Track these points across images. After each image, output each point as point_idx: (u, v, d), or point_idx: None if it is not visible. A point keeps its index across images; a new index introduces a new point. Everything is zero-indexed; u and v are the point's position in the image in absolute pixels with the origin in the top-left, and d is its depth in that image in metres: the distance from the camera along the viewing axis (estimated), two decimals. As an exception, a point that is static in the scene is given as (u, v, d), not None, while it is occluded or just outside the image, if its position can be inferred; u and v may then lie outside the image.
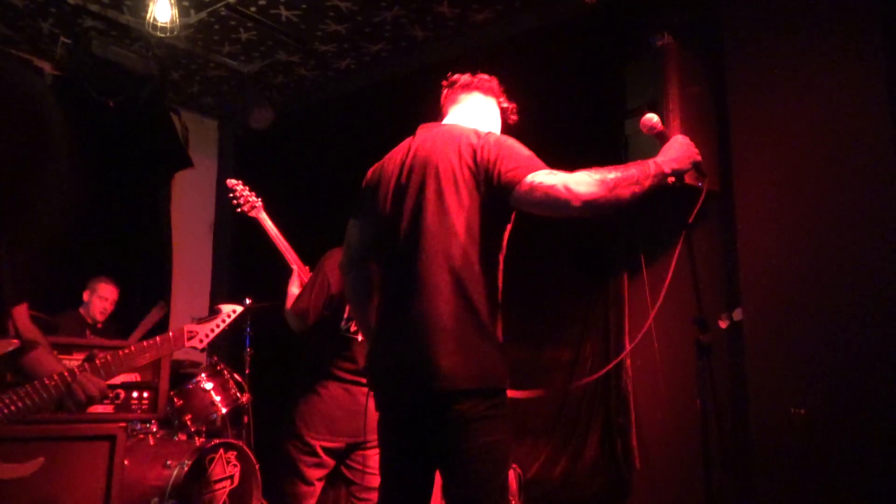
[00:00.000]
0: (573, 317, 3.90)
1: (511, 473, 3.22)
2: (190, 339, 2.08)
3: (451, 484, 1.92)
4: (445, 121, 2.28)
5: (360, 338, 2.99)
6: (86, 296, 4.79)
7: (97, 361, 1.81)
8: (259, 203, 3.33)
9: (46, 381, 1.69)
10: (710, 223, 3.63)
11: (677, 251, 2.27)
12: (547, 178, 1.84)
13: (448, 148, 2.04)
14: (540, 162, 1.92)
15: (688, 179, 2.08)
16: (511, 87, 2.36)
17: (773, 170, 3.30)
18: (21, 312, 1.85)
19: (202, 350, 2.20)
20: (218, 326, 2.18)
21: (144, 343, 1.97)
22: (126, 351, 1.90)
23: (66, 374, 1.73)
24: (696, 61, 3.51)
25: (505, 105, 2.30)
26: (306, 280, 3.05)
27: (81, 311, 4.77)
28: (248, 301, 4.42)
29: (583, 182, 1.80)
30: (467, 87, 2.27)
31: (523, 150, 1.96)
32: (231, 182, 3.36)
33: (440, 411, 1.85)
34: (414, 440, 1.98)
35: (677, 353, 3.36)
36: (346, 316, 2.99)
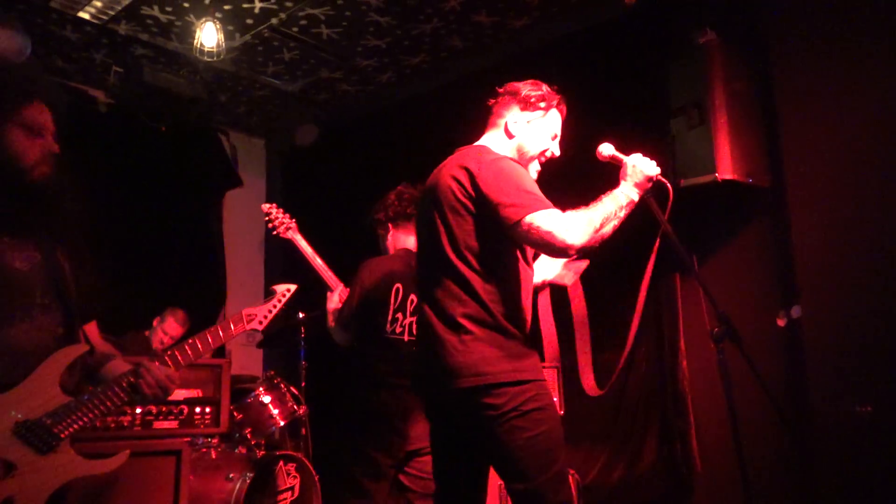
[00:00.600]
0: (624, 320, 3.86)
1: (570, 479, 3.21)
2: (249, 321, 2.09)
3: (503, 480, 2.08)
4: (479, 141, 2.31)
5: (405, 338, 3.04)
6: (155, 322, 4.89)
7: (165, 356, 1.84)
8: (293, 224, 3.41)
9: (116, 381, 1.72)
10: (762, 220, 3.57)
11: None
12: (544, 222, 1.94)
13: (453, 171, 2.16)
14: (536, 198, 1.99)
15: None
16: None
17: (826, 163, 3.23)
18: (91, 330, 1.91)
19: (262, 332, 2.20)
20: (275, 307, 2.19)
21: (205, 332, 1.95)
22: (190, 341, 1.91)
23: (132, 368, 1.76)
24: (740, 56, 3.46)
25: (553, 106, 2.27)
26: (345, 296, 3.11)
27: (147, 333, 4.88)
28: (300, 314, 4.51)
29: (575, 229, 1.94)
30: (506, 105, 2.27)
31: (522, 184, 2.03)
32: (265, 206, 3.45)
33: (465, 410, 1.99)
34: (452, 441, 2.14)
35: (733, 352, 3.31)
36: (389, 318, 3.03)
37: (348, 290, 3.10)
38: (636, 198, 2.10)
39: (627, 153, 2.19)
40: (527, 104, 2.23)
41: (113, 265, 4.98)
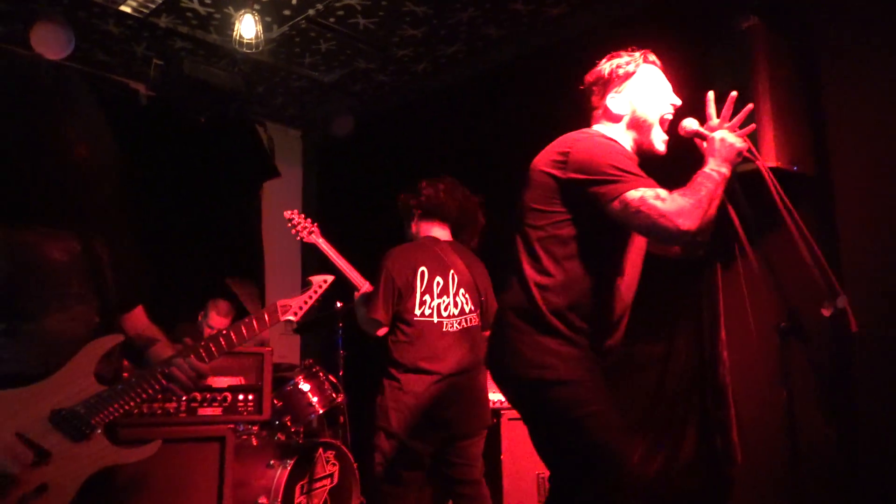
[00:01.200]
0: (665, 310, 3.82)
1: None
2: (284, 312, 2.09)
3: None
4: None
5: (435, 320, 3.06)
6: (200, 316, 4.97)
7: (199, 349, 1.85)
8: (315, 228, 3.45)
9: (151, 372, 1.75)
10: (805, 208, 3.49)
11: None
12: (653, 203, 1.84)
13: (541, 157, 2.10)
14: (638, 175, 1.92)
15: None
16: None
17: (873, 151, 3.16)
18: (138, 315, 1.93)
19: (297, 323, 2.21)
20: (311, 298, 2.21)
21: (240, 323, 1.97)
22: (224, 332, 1.92)
23: (167, 360, 1.78)
24: (784, 42, 3.38)
25: (640, 64, 2.17)
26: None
27: (200, 328, 4.94)
28: (338, 304, 4.55)
29: (688, 211, 1.83)
30: (597, 93, 2.19)
31: (620, 161, 1.94)
32: (287, 213, 3.50)
33: (516, 400, 2.08)
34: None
35: (770, 346, 3.26)
36: (417, 301, 3.06)
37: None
38: (728, 174, 1.96)
39: (669, 139, 2.15)
40: (615, 80, 2.14)
41: (152, 257, 5.11)
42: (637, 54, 2.17)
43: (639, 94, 2.14)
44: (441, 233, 3.29)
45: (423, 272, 3.11)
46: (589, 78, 2.21)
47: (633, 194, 1.87)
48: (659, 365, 3.83)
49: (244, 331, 1.93)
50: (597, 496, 1.92)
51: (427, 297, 3.08)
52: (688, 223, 1.83)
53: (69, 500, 1.55)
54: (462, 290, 3.17)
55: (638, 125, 2.14)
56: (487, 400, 3.21)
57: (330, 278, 2.33)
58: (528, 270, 2.06)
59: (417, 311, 3.06)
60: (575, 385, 1.96)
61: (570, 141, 2.05)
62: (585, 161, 1.97)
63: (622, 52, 2.18)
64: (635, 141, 2.18)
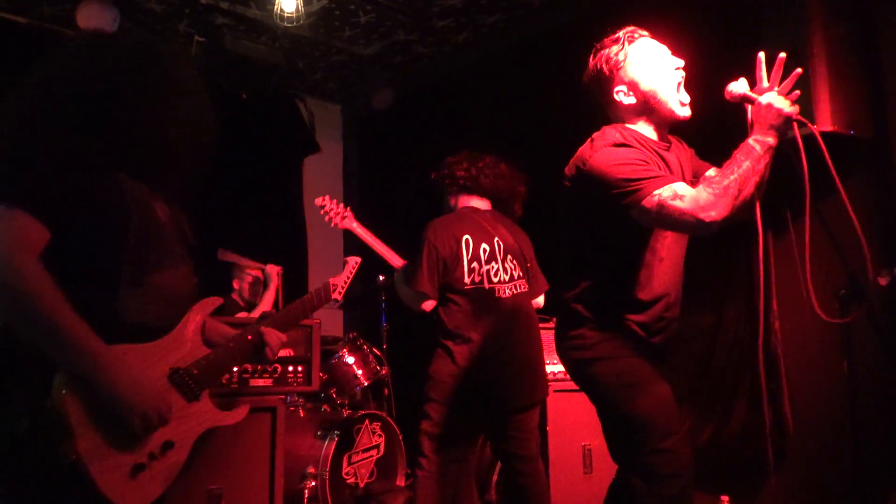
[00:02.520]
0: (714, 280, 3.75)
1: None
2: (334, 290, 2.26)
3: None
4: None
5: (486, 286, 3.01)
6: (235, 283, 5.07)
7: (273, 316, 1.95)
8: (349, 213, 3.41)
9: (243, 339, 1.80)
10: (864, 174, 3.37)
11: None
12: (675, 199, 1.84)
13: (569, 165, 2.14)
14: (656, 174, 1.92)
15: (796, 132, 1.93)
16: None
17: (935, 111, 3.03)
18: None
19: (341, 302, 2.38)
20: (349, 277, 2.39)
21: (301, 299, 2.09)
22: (290, 307, 2.04)
23: (254, 329, 1.85)
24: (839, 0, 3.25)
25: (627, 46, 2.12)
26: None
27: (234, 296, 5.07)
28: (380, 277, 4.57)
29: (712, 201, 1.81)
30: (599, 92, 2.19)
31: (637, 163, 1.94)
32: (319, 200, 3.46)
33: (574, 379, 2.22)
34: None
35: (829, 314, 3.17)
36: (466, 269, 3.01)
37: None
38: (774, 142, 1.88)
39: (720, 102, 2.07)
40: (610, 75, 2.12)
41: (197, 229, 5.17)
42: (621, 38, 2.13)
43: (638, 75, 2.09)
44: (480, 203, 3.25)
45: (467, 240, 3.05)
46: (586, 80, 2.20)
47: (650, 200, 1.87)
48: (707, 336, 3.77)
49: (306, 306, 2.08)
50: (647, 470, 1.95)
51: (475, 265, 3.03)
52: (712, 214, 1.81)
53: (185, 457, 1.60)
54: (509, 256, 3.11)
55: (652, 104, 2.09)
56: (543, 369, 3.16)
57: (359, 259, 2.51)
58: (568, 267, 2.17)
59: (467, 279, 3.00)
60: (615, 360, 2.04)
61: (584, 156, 2.06)
62: (599, 175, 1.98)
63: (605, 42, 2.15)
64: (656, 120, 2.14)
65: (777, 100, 1.90)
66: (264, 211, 5.94)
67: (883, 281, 3.29)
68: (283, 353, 2.97)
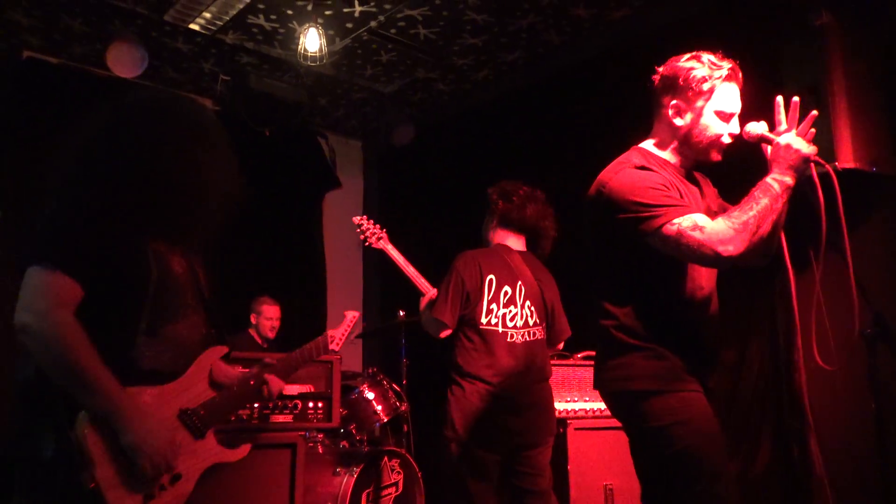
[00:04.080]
0: (737, 316, 3.72)
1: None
2: (332, 342, 2.44)
3: None
4: (646, 141, 2.19)
5: (500, 329, 3.03)
6: (253, 318, 5.12)
7: (274, 364, 2.11)
8: (384, 234, 3.46)
9: (246, 384, 1.96)
10: (887, 211, 3.35)
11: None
12: (693, 230, 1.82)
13: (589, 192, 2.12)
14: (675, 203, 1.90)
15: (813, 172, 1.95)
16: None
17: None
18: None
19: (337, 352, 2.53)
20: (347, 329, 2.55)
21: (301, 349, 2.28)
22: (289, 357, 2.22)
23: (256, 374, 2.02)
24: (859, 37, 3.26)
25: (722, 81, 2.03)
26: None
27: (251, 332, 5.10)
28: (401, 313, 4.58)
29: (730, 236, 1.80)
30: (665, 93, 2.09)
31: (656, 191, 1.91)
32: (356, 219, 3.53)
33: (614, 414, 2.10)
34: None
35: (854, 353, 3.12)
36: (485, 309, 3.02)
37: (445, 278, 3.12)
38: (792, 182, 1.88)
39: (739, 141, 2.07)
40: (688, 90, 2.01)
41: (220, 265, 5.22)
42: (723, 67, 2.03)
43: (707, 116, 2.03)
44: (515, 243, 3.26)
45: (491, 280, 3.08)
46: (661, 74, 2.09)
47: (670, 228, 1.85)
48: (732, 373, 3.72)
49: (305, 355, 2.27)
50: None
51: (494, 306, 3.05)
52: (730, 249, 1.79)
53: (191, 488, 1.77)
54: (528, 303, 3.13)
55: (693, 140, 2.07)
56: (552, 410, 3.16)
57: (357, 313, 2.62)
58: (604, 294, 2.07)
59: (484, 320, 3.03)
60: (666, 395, 1.93)
61: (605, 178, 2.05)
62: (619, 199, 1.96)
63: (706, 57, 2.04)
64: (684, 155, 2.12)
65: (796, 140, 1.91)
66: (285, 246, 5.99)
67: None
68: (303, 388, 2.98)
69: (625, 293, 2.03)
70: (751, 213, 1.83)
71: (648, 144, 2.16)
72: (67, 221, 1.68)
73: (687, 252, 1.86)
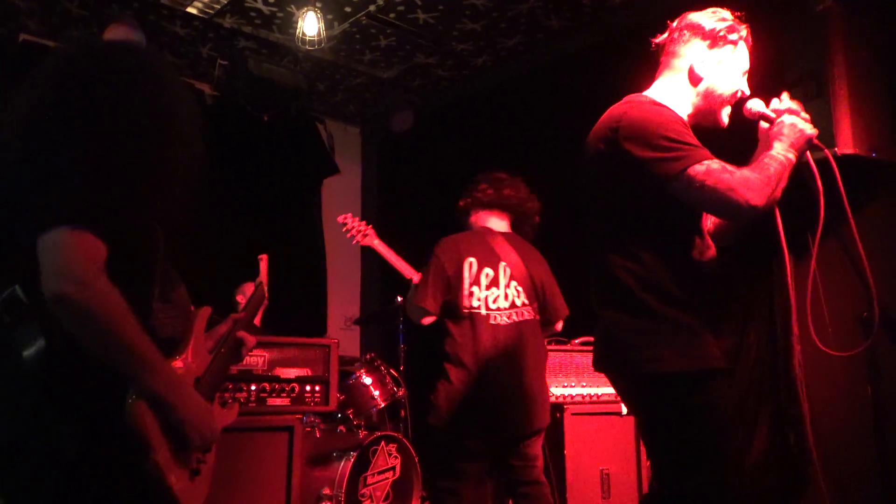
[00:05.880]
0: (735, 303, 3.72)
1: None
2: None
3: None
4: (649, 90, 2.08)
5: (483, 312, 2.97)
6: (240, 298, 5.11)
7: (241, 318, 1.93)
8: (370, 230, 3.45)
9: (229, 339, 1.83)
10: (887, 198, 3.34)
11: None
12: (718, 176, 1.74)
13: (596, 132, 1.99)
14: (699, 147, 1.81)
15: (809, 157, 1.94)
16: (652, 71, 2.17)
17: (961, 134, 3.00)
18: None
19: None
20: (264, 270, 2.42)
21: (250, 306, 2.08)
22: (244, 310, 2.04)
23: (231, 331, 1.86)
24: (862, 22, 3.24)
25: (743, 38, 2.02)
26: None
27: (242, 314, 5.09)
28: (399, 299, 4.58)
29: (756, 185, 1.73)
30: (686, 42, 2.01)
31: (680, 132, 1.81)
32: (341, 218, 3.51)
33: (629, 396, 2.02)
34: None
35: (851, 338, 3.12)
36: (465, 293, 2.98)
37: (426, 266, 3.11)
38: (794, 160, 1.84)
39: (741, 127, 2.06)
40: (715, 39, 1.97)
41: (218, 251, 5.23)
42: (744, 30, 2.02)
43: (728, 66, 1.99)
44: (498, 223, 3.21)
45: (470, 263, 3.02)
46: (687, 23, 2.04)
47: (698, 168, 1.75)
48: (729, 359, 3.72)
49: (249, 308, 2.06)
50: (701, 493, 1.81)
51: (475, 289, 2.99)
52: (756, 198, 1.74)
53: (215, 458, 1.68)
54: (515, 283, 3.05)
55: (710, 96, 2.00)
56: (544, 397, 3.07)
57: (265, 255, 2.50)
58: (614, 259, 1.92)
59: (465, 303, 2.97)
60: (688, 375, 1.83)
61: (618, 115, 1.91)
62: (640, 134, 1.83)
63: (728, 11, 2.03)
64: (698, 109, 2.03)
65: (800, 120, 1.90)
66: (284, 232, 5.99)
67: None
68: (300, 372, 2.98)
69: (646, 247, 1.88)
70: (771, 171, 1.78)
71: (654, 94, 2.04)
72: (85, 176, 1.46)
73: (712, 196, 1.75)
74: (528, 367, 2.99)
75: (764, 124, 1.98)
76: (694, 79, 2.00)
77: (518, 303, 3.05)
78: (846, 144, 3.07)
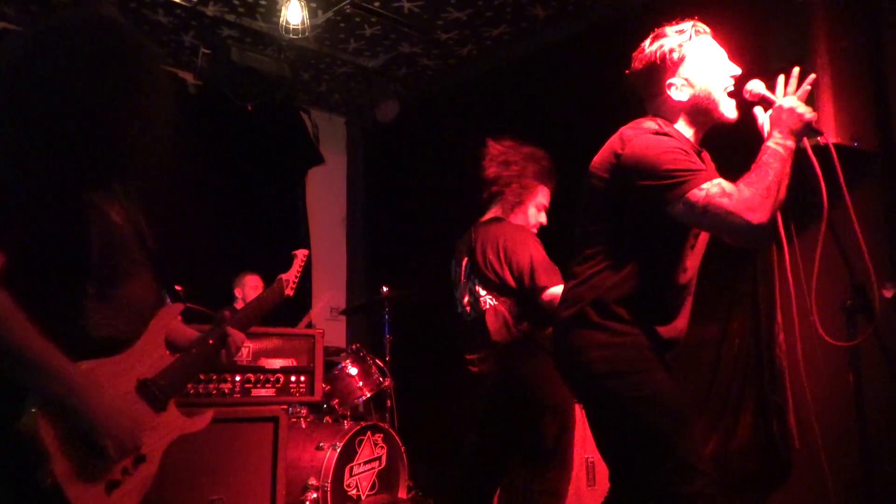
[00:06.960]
0: (719, 292, 3.74)
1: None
2: (287, 286, 2.21)
3: None
4: (648, 121, 2.09)
5: (458, 309, 3.08)
6: (238, 292, 5.09)
7: (232, 316, 1.89)
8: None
9: (205, 343, 1.77)
10: (866, 185, 3.37)
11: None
12: (719, 198, 1.74)
13: (597, 160, 2.02)
14: (699, 169, 1.81)
15: (806, 144, 1.94)
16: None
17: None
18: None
19: (293, 296, 2.30)
20: (299, 270, 2.33)
21: (258, 297, 2.08)
22: (247, 306, 2.02)
23: (214, 330, 1.80)
24: (845, 12, 3.26)
25: (692, 38, 2.00)
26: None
27: (236, 306, 5.08)
28: (384, 289, 4.57)
29: (757, 202, 1.72)
30: (651, 79, 2.03)
31: (678, 155, 1.83)
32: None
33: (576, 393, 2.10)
34: None
35: (835, 327, 3.15)
36: (457, 295, 3.09)
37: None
38: (794, 147, 1.83)
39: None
40: (669, 66, 1.98)
41: (202, 241, 5.20)
42: (686, 30, 2.00)
43: (697, 74, 1.99)
44: (494, 211, 3.21)
45: (453, 264, 3.18)
46: (638, 65, 2.05)
47: (698, 194, 1.76)
48: (713, 347, 3.75)
49: (262, 304, 2.05)
50: (669, 490, 1.82)
51: (456, 292, 3.14)
52: (759, 216, 1.72)
53: (156, 469, 1.57)
54: (472, 276, 3.05)
55: (702, 105, 2.01)
56: (526, 383, 2.97)
57: (305, 251, 2.46)
58: (581, 267, 1.99)
59: (459, 307, 3.12)
60: (626, 374, 1.89)
61: (622, 141, 1.95)
62: (641, 165, 1.86)
63: (667, 30, 2.02)
64: (700, 121, 2.06)
65: (799, 105, 1.89)
66: (268, 224, 5.95)
67: (888, 293, 3.28)
68: (285, 362, 2.97)
69: (622, 264, 1.93)
70: (769, 179, 1.76)
71: (656, 120, 2.05)
72: None
73: (713, 220, 1.77)
74: (499, 355, 2.99)
75: (762, 119, 1.97)
76: (679, 106, 2.02)
77: (482, 292, 3.10)
78: (829, 133, 3.09)
